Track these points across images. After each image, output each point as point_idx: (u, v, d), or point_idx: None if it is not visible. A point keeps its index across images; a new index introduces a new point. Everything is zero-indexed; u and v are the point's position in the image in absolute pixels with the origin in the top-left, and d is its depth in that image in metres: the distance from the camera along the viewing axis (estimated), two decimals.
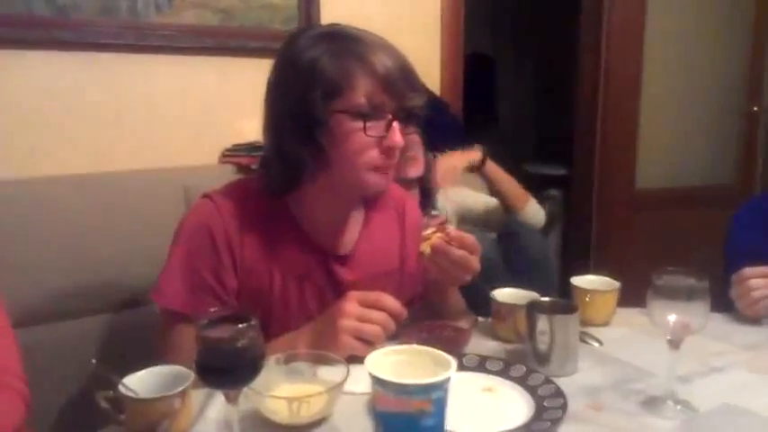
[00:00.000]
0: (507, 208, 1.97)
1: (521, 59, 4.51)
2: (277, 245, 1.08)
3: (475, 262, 1.07)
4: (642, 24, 2.80)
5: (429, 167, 1.95)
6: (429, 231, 1.07)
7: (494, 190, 1.98)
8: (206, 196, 1.09)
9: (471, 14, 2.55)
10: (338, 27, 1.03)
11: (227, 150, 1.89)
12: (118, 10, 1.75)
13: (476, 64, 3.37)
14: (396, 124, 1.01)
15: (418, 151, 1.82)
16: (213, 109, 1.93)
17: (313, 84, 0.97)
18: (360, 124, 0.98)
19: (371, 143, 1.00)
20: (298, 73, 0.99)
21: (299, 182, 1.08)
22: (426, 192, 1.87)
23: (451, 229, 1.08)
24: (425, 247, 1.05)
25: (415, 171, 1.82)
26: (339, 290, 1.12)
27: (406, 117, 1.03)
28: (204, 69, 1.92)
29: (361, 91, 0.97)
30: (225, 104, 1.93)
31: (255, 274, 1.07)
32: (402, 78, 0.99)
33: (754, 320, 1.20)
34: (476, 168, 1.94)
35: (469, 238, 1.07)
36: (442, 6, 2.38)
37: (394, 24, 2.23)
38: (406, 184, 1.86)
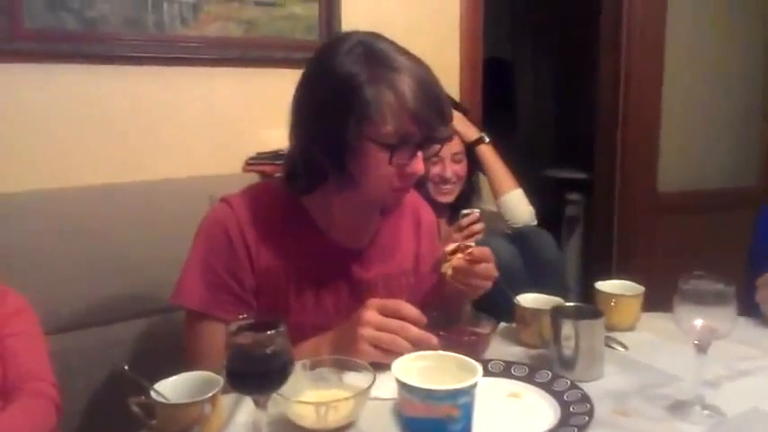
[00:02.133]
0: (493, 191, 2.06)
1: (540, 64, 4.49)
2: (293, 243, 1.10)
3: (493, 270, 1.13)
4: (663, 26, 2.78)
5: (474, 188, 2.05)
6: (449, 250, 1.10)
7: (485, 171, 2.07)
8: (222, 199, 1.12)
9: (490, 19, 2.55)
10: (376, 44, 1.02)
11: (251, 159, 1.92)
12: (144, 23, 1.79)
13: (495, 68, 3.37)
14: (419, 153, 1.02)
15: (455, 183, 1.95)
16: (237, 119, 1.96)
17: (347, 107, 0.98)
18: (386, 155, 1.00)
19: (392, 171, 1.02)
20: (333, 90, 1.00)
21: (317, 186, 1.10)
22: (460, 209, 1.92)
23: (472, 247, 1.11)
24: (447, 269, 1.09)
25: (446, 198, 1.96)
26: (355, 288, 1.14)
27: (428, 146, 1.05)
28: (228, 80, 1.95)
29: (392, 124, 0.98)
30: (249, 114, 1.95)
31: (272, 273, 1.08)
32: (432, 110, 1.00)
33: None
34: (473, 143, 2.04)
35: (485, 250, 1.12)
36: (461, 12, 2.39)
37: (414, 31, 2.24)
38: (436, 207, 1.91)
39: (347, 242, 1.14)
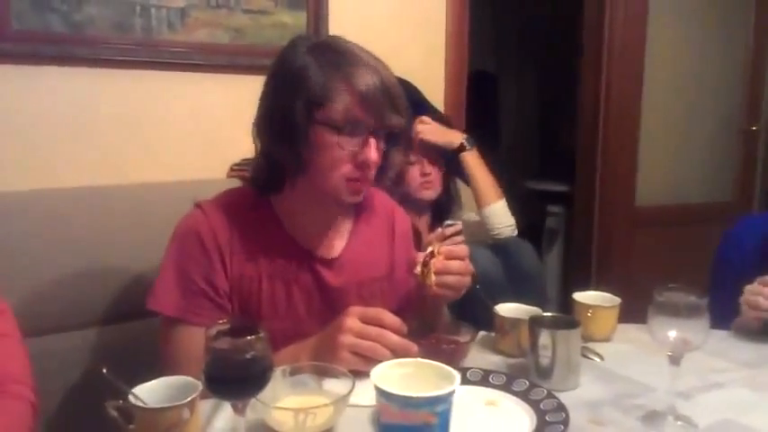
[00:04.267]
0: (476, 201, 1.99)
1: (523, 77, 4.55)
2: (264, 249, 1.11)
3: (470, 266, 1.13)
4: (643, 43, 2.84)
5: (451, 194, 2.01)
6: (419, 268, 1.09)
7: (469, 179, 2.01)
8: (196, 205, 1.12)
9: (476, 33, 2.59)
10: (332, 39, 1.07)
11: (236, 165, 1.91)
12: (132, 27, 1.79)
13: (479, 82, 3.41)
14: (372, 141, 1.03)
15: (436, 176, 1.92)
16: (223, 124, 1.96)
17: (297, 92, 1.01)
18: (335, 138, 1.01)
19: (346, 157, 1.03)
20: (286, 80, 1.03)
21: (281, 183, 1.11)
22: (441, 213, 1.91)
23: (441, 247, 1.10)
24: (430, 279, 1.08)
25: (429, 194, 1.92)
26: (327, 294, 1.14)
27: (385, 135, 1.06)
28: (215, 86, 1.95)
29: (340, 106, 1.00)
30: (234, 120, 1.94)
31: (245, 278, 1.09)
32: (383, 97, 1.02)
33: (752, 337, 1.22)
34: (456, 151, 1.97)
35: (460, 248, 1.12)
36: (448, 25, 2.42)
37: (400, 43, 2.27)
38: (419, 206, 1.91)
39: (316, 247, 1.15)
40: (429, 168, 1.91)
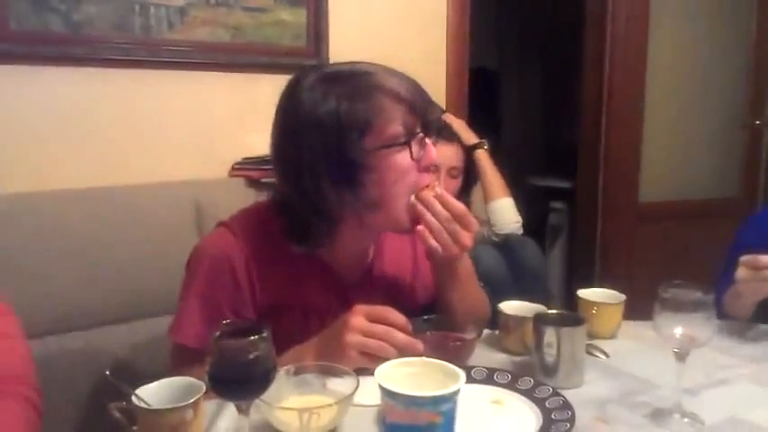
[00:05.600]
0: (484, 195, 2.08)
1: (526, 74, 4.54)
2: (298, 279, 1.07)
3: (462, 233, 1.04)
4: (645, 38, 2.82)
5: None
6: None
7: (479, 176, 2.09)
8: (223, 225, 1.07)
9: (477, 29, 2.58)
10: (330, 69, 1.02)
11: (237, 164, 1.91)
12: (131, 26, 1.79)
13: (481, 78, 3.40)
14: (427, 140, 1.02)
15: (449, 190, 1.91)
16: (224, 123, 1.95)
17: (347, 133, 0.96)
18: (403, 154, 0.99)
19: (411, 167, 1.01)
20: (323, 129, 0.97)
21: (336, 231, 1.06)
22: None
23: (441, 189, 1.05)
24: (413, 198, 1.04)
25: None
26: None
27: (429, 130, 1.05)
28: (215, 84, 1.94)
29: (398, 120, 0.98)
30: (235, 119, 1.95)
31: (275, 310, 1.06)
32: (420, 96, 1.01)
33: (758, 333, 1.21)
34: (473, 147, 2.07)
35: (457, 205, 1.04)
36: (449, 21, 2.41)
37: (400, 39, 2.26)
38: None
39: (351, 272, 1.13)
40: (446, 183, 1.90)
